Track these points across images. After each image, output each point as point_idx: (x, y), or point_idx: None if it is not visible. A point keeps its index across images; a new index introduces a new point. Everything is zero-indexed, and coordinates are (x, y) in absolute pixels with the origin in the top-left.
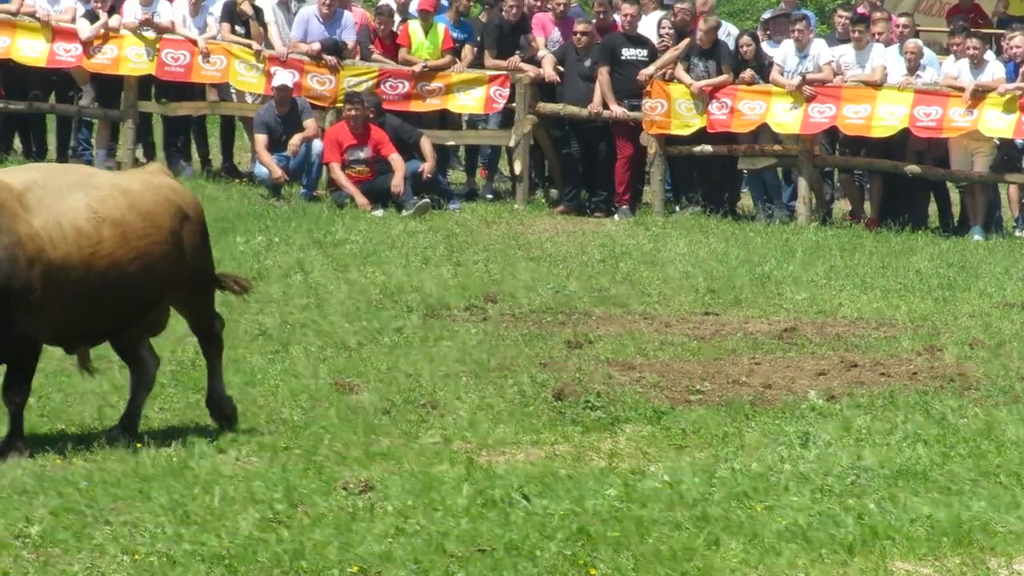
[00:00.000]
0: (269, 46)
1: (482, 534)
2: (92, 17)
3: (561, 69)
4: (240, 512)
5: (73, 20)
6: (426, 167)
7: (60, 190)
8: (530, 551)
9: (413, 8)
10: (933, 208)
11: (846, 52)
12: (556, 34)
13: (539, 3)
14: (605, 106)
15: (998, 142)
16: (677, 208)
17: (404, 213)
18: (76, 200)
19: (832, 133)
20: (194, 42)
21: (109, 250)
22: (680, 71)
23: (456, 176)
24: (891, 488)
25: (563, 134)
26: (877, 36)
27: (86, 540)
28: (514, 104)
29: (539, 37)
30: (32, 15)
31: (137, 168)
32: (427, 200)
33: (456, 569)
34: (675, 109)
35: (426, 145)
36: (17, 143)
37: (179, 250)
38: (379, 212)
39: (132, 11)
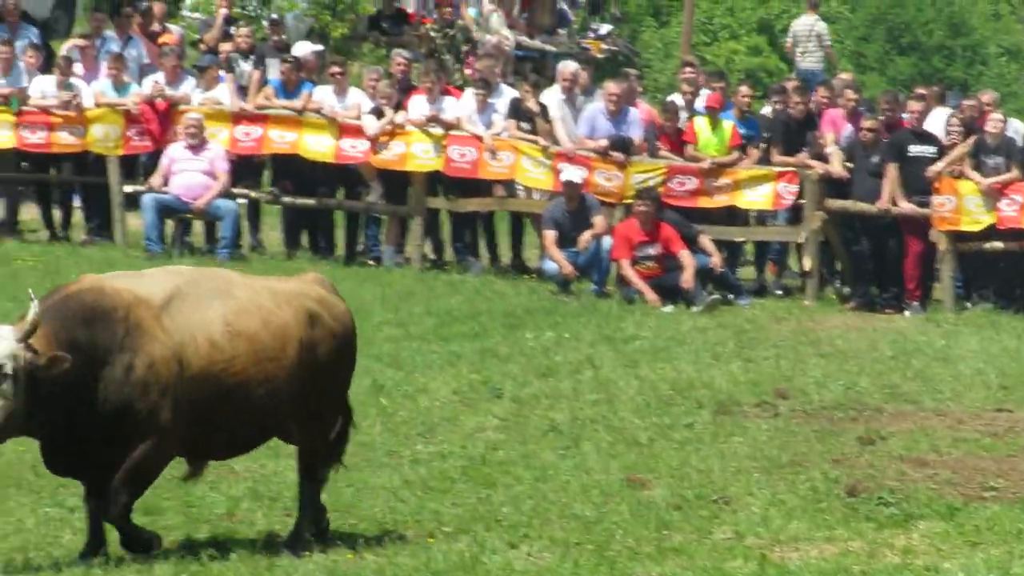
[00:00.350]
0: (555, 142)
1: None
2: (378, 114)
3: (849, 165)
4: None
5: (359, 116)
6: (715, 261)
7: (200, 299)
8: None
9: (699, 105)
10: None
11: None
12: (848, 130)
13: (827, 100)
14: (894, 202)
15: None
16: (968, 304)
17: (694, 309)
18: (214, 311)
19: None
20: (480, 138)
21: (239, 365)
22: (968, 168)
23: (745, 272)
24: None
25: (852, 230)
26: None
27: None
28: (803, 200)
29: (829, 133)
30: (318, 111)
31: (293, 277)
32: (717, 296)
33: None
34: (964, 206)
35: (705, 241)
36: (305, 240)
37: (311, 369)
38: (669, 308)
39: (418, 108)
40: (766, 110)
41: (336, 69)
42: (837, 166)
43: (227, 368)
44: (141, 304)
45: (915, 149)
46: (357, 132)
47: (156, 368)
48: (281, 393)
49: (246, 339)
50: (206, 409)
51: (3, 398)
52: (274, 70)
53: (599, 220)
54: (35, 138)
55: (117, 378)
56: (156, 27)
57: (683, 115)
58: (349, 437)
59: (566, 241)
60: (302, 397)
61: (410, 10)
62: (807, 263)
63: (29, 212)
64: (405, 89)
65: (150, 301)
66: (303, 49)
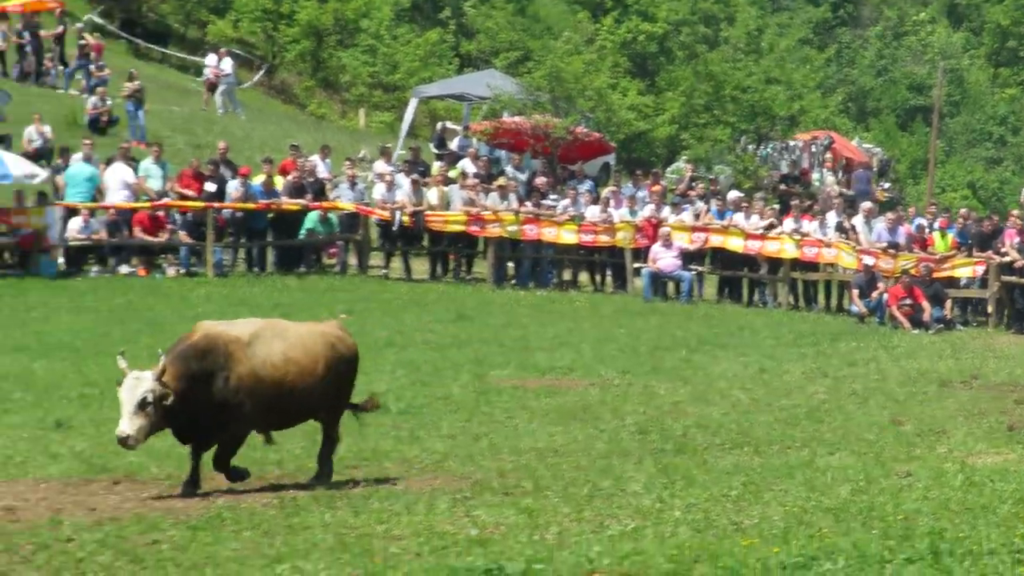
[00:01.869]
0: (859, 243)
1: None
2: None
3: (1018, 257)
4: None
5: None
6: (947, 307)
7: (268, 338)
8: None
9: (936, 224)
10: None
11: None
12: (1017, 239)
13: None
14: None
15: None
16: None
17: (929, 332)
18: (276, 346)
19: None
20: (823, 242)
21: (291, 380)
22: None
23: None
24: None
25: (1015, 292)
26: None
27: None
28: (988, 275)
29: (1008, 240)
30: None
31: (323, 323)
32: (941, 325)
33: None
34: None
35: (943, 294)
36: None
37: (334, 383)
38: (915, 332)
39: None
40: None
41: None
42: (1013, 254)
43: (283, 380)
44: (233, 341)
45: None
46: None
47: (243, 380)
48: (316, 393)
49: (295, 363)
50: (271, 403)
51: (146, 417)
52: None
53: (881, 285)
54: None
55: (220, 387)
56: None
57: (926, 230)
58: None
59: (863, 295)
60: (328, 395)
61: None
62: (990, 308)
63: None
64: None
65: (240, 339)
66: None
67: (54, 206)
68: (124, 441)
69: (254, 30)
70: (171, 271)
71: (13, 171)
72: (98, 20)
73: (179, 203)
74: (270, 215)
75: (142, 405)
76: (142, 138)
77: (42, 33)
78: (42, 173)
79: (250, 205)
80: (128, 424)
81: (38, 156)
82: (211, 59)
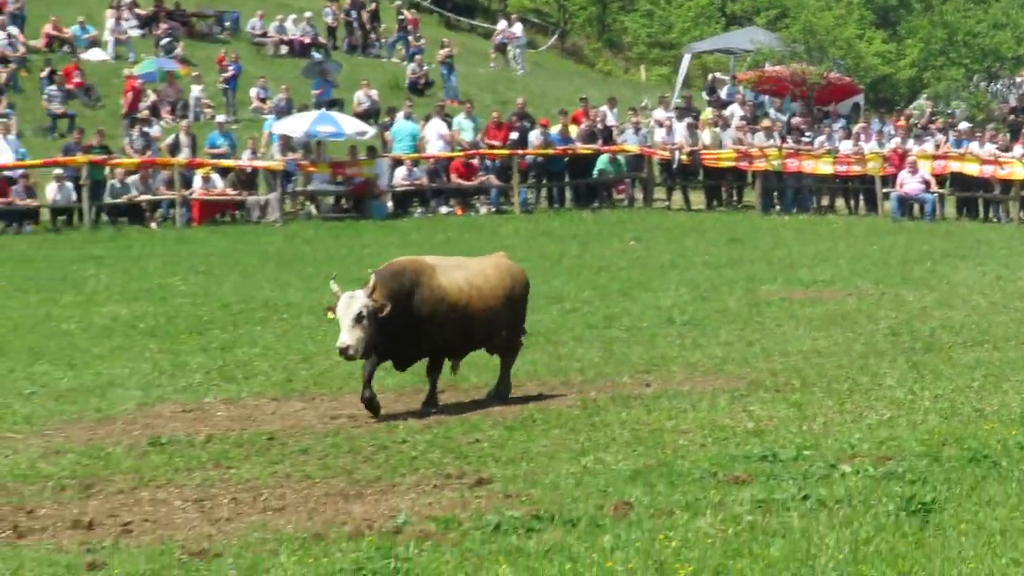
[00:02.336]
0: None
1: None
2: None
3: None
4: None
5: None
6: None
7: (452, 268)
8: None
9: None
10: None
11: None
12: None
13: None
14: None
15: None
16: None
17: None
18: (460, 274)
19: None
20: None
21: (475, 303)
22: None
23: None
24: None
25: None
26: None
27: None
28: None
29: None
30: None
31: (494, 255)
32: None
33: None
34: None
35: None
36: None
37: (509, 306)
38: None
39: None
40: None
41: None
42: None
43: (467, 304)
44: (427, 268)
45: None
46: None
47: (434, 293)
48: (497, 316)
49: (476, 288)
50: (460, 324)
51: (364, 330)
52: None
53: None
54: None
55: (417, 301)
56: None
57: None
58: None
59: None
60: (506, 318)
61: None
62: None
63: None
64: None
65: (434, 266)
66: None
67: (382, 158)
68: (344, 352)
69: (548, 0)
70: (483, 210)
71: (346, 129)
72: None
73: (488, 151)
74: (566, 159)
75: (358, 319)
76: (455, 97)
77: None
78: (371, 130)
79: (549, 151)
80: (348, 336)
81: (367, 116)
82: (502, 24)
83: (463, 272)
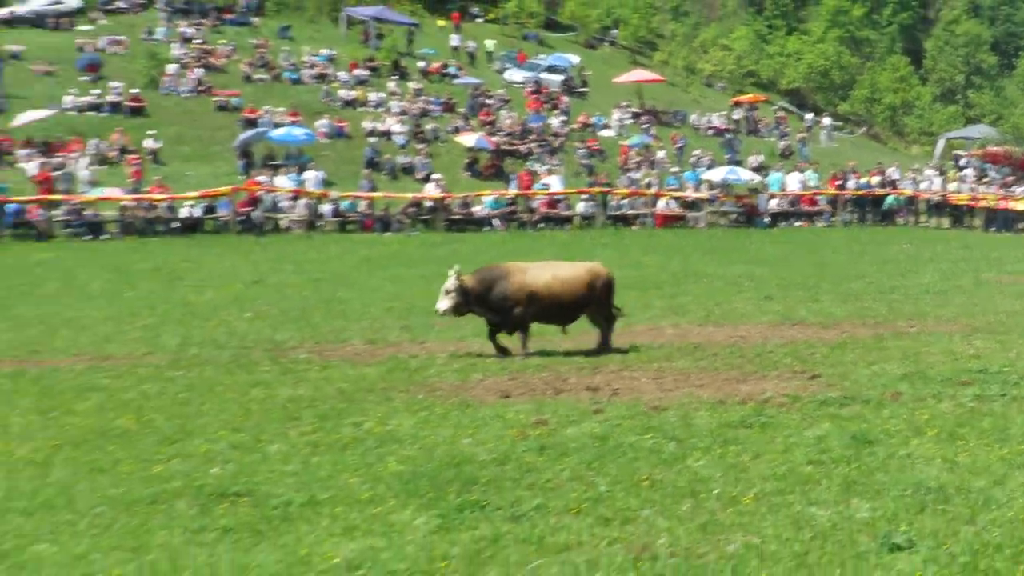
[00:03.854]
0: None
1: None
2: None
3: None
4: None
5: None
6: None
7: (541, 269)
8: None
9: None
10: None
11: None
12: None
13: None
14: None
15: None
16: None
17: None
18: (546, 271)
19: None
20: None
21: (556, 291)
22: None
23: None
24: None
25: None
26: None
27: None
28: None
29: None
30: None
31: (588, 263)
32: None
33: None
34: None
35: None
36: None
37: (592, 293)
38: None
39: None
40: None
41: None
42: None
43: (552, 296)
44: (515, 270)
45: None
46: None
47: (516, 290)
48: (579, 302)
49: (560, 281)
50: (546, 309)
51: (451, 298)
52: None
53: None
54: None
55: (501, 291)
56: None
57: None
58: (615, 320)
59: None
60: (589, 303)
61: None
62: None
63: None
64: None
65: (515, 267)
66: None
67: (763, 194)
68: (437, 312)
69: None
70: (820, 224)
71: (743, 177)
72: None
73: (825, 192)
74: (870, 197)
75: (447, 291)
76: (806, 159)
77: None
78: (757, 177)
79: (860, 192)
80: (441, 303)
81: (757, 169)
82: (814, 117)
83: (551, 272)
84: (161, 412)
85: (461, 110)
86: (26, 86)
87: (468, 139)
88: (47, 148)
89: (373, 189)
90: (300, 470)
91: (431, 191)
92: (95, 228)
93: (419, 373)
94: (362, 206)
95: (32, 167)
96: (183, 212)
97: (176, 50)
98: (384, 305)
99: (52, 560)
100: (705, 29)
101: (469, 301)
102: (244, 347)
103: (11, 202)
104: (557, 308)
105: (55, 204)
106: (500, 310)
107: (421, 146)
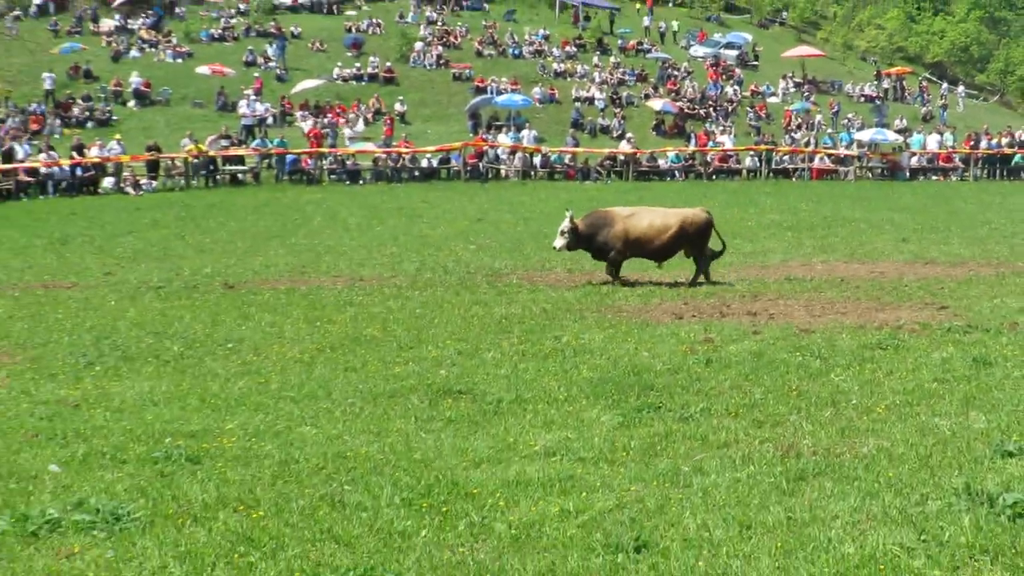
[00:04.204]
0: None
1: None
2: None
3: None
4: None
5: None
6: None
7: (639, 215)
8: None
9: None
10: None
11: None
12: None
13: None
14: None
15: None
16: None
17: None
18: (645, 218)
19: None
20: None
21: (651, 236)
22: None
23: None
24: None
25: None
26: None
27: None
28: None
29: None
30: None
31: (677, 210)
32: None
33: None
34: None
35: None
36: None
37: (682, 237)
38: None
39: None
40: None
41: None
42: None
43: (650, 237)
44: (618, 216)
45: None
46: None
47: (618, 235)
48: (671, 242)
49: (655, 228)
50: (641, 250)
51: (565, 238)
52: None
53: None
54: None
55: (603, 237)
56: None
57: None
58: (711, 259)
59: None
60: (682, 244)
61: None
62: None
63: None
64: None
65: (621, 213)
66: None
67: (905, 152)
68: (554, 248)
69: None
70: (953, 178)
71: (889, 138)
72: None
73: (958, 151)
74: (999, 155)
75: (562, 232)
76: (944, 123)
77: None
78: (900, 138)
79: (991, 151)
80: (557, 241)
81: (900, 132)
82: (950, 87)
83: (648, 218)
84: (401, 324)
85: (651, 80)
86: (303, 60)
87: (656, 104)
88: (318, 110)
89: (576, 145)
90: (510, 374)
91: (624, 147)
92: (353, 175)
93: (608, 297)
94: (567, 159)
95: (306, 125)
96: (423, 163)
97: (422, 31)
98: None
99: (314, 439)
100: (862, 11)
101: (579, 240)
102: (468, 273)
103: (289, 153)
104: (651, 249)
105: (323, 156)
106: (601, 251)
107: (617, 110)
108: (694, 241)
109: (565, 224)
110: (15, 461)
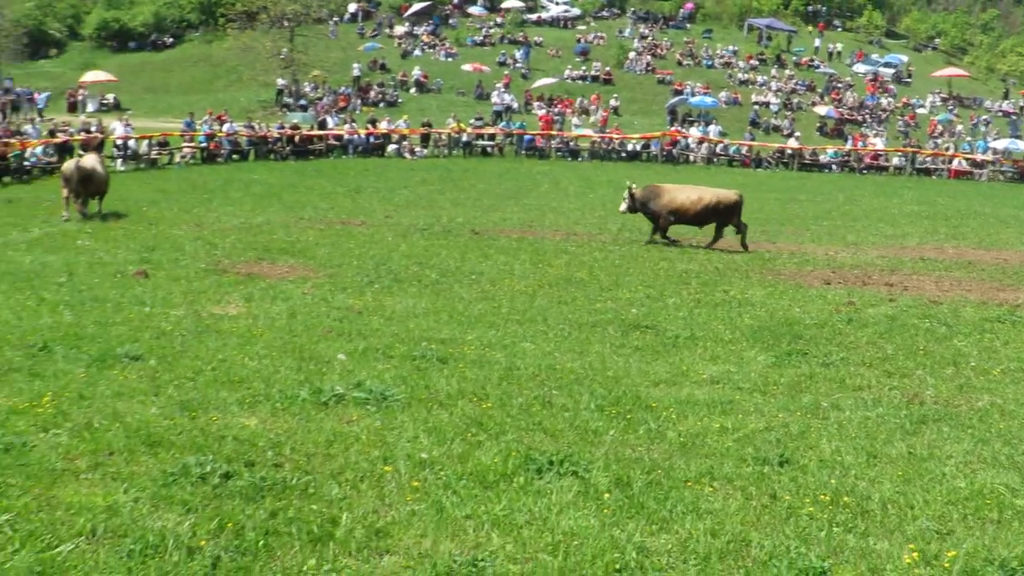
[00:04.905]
0: None
1: None
2: None
3: None
4: None
5: None
6: None
7: (681, 190)
8: None
9: None
10: None
11: None
12: None
13: None
14: None
15: None
16: None
17: None
18: (686, 193)
19: None
20: None
21: (688, 207)
22: None
23: None
24: None
25: None
26: None
27: None
28: None
29: None
30: None
31: (715, 189)
32: None
33: None
34: None
35: None
36: None
37: (714, 210)
38: None
39: None
40: None
41: None
42: None
43: (687, 208)
44: (664, 190)
45: None
46: None
47: (664, 205)
48: (706, 214)
49: (691, 201)
50: (682, 218)
51: (626, 203)
52: None
53: None
54: None
55: (654, 205)
56: None
57: None
58: (745, 229)
59: None
60: (716, 217)
61: None
62: None
63: None
64: None
65: (668, 188)
66: None
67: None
68: (620, 212)
69: None
70: None
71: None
72: None
73: None
74: None
75: (624, 199)
76: None
77: None
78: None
79: None
80: (621, 206)
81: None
82: None
83: (687, 193)
84: (603, 271)
85: (818, 90)
86: (543, 63)
87: (821, 110)
88: (551, 102)
89: (752, 139)
90: (687, 316)
91: (792, 143)
92: (574, 153)
93: (770, 262)
94: (744, 150)
95: (540, 113)
96: (629, 147)
97: (635, 44)
98: (750, 215)
99: (532, 353)
100: (1006, 40)
101: (635, 207)
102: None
103: (527, 134)
104: (688, 216)
105: (552, 137)
106: (651, 216)
107: (788, 113)
108: (724, 214)
109: (627, 193)
110: (314, 349)
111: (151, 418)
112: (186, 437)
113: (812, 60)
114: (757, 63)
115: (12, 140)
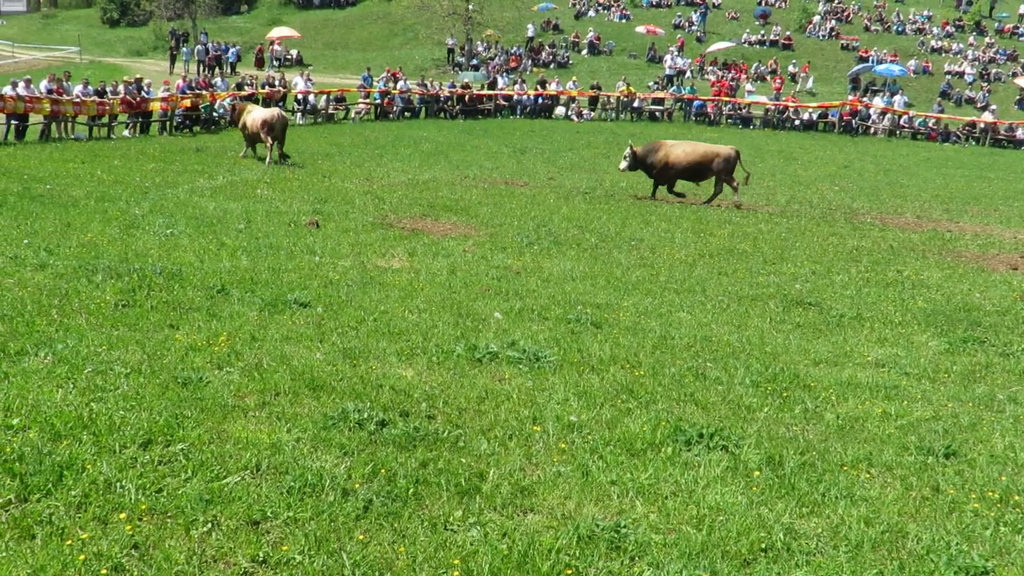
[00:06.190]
0: None
1: None
2: None
3: None
4: None
5: None
6: None
7: (678, 145)
8: None
9: None
10: None
11: None
12: None
13: None
14: None
15: None
16: None
17: None
18: (681, 147)
19: None
20: None
21: (684, 161)
22: None
23: None
24: None
25: None
26: None
27: None
28: None
29: None
30: None
31: (714, 146)
32: None
33: None
34: None
35: None
36: None
37: (709, 166)
38: None
39: None
40: None
41: None
42: None
43: (681, 162)
44: (664, 146)
45: None
46: None
47: (660, 159)
48: (701, 168)
49: (686, 154)
50: (680, 172)
51: (627, 160)
52: None
53: None
54: None
55: (651, 160)
56: None
57: None
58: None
59: None
60: (710, 171)
61: None
62: None
63: None
64: None
65: (666, 143)
66: None
67: None
68: (620, 169)
69: None
70: None
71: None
72: None
73: None
74: None
75: (625, 156)
76: None
77: None
78: None
79: None
80: (621, 164)
81: None
82: None
83: (683, 148)
84: (768, 243)
85: (1022, 60)
86: (720, 26)
87: (1022, 82)
88: (725, 67)
89: (941, 112)
90: (854, 295)
91: (986, 117)
92: (746, 121)
93: (951, 243)
94: (931, 123)
95: (713, 78)
96: (804, 116)
97: (820, 7)
98: (933, 192)
99: (688, 323)
100: None
101: (636, 163)
102: (829, 209)
103: (697, 99)
104: (686, 172)
105: (723, 104)
106: (650, 170)
107: (985, 84)
108: (718, 172)
109: (627, 151)
110: (472, 306)
111: (315, 363)
112: (346, 383)
113: (1017, 27)
114: (953, 30)
115: (204, 92)
